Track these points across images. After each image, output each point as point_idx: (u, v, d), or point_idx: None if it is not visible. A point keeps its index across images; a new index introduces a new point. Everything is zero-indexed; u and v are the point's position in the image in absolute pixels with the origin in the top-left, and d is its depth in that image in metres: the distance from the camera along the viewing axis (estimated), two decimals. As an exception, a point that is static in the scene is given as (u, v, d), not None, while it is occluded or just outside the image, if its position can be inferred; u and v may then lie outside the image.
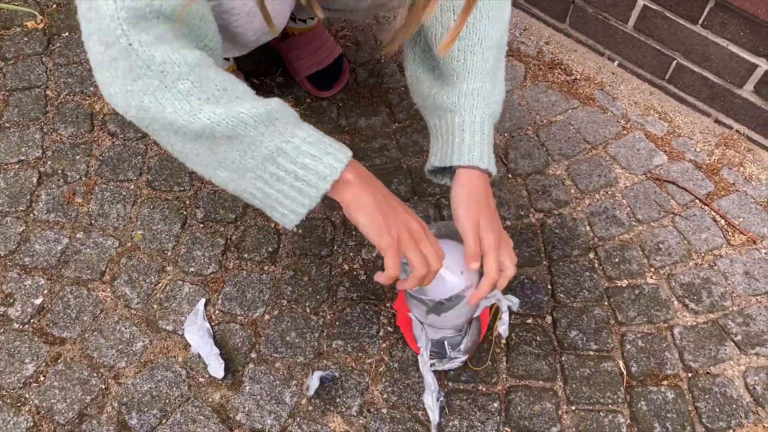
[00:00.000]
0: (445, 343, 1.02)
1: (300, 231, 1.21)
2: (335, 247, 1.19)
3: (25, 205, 1.21)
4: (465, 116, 0.85)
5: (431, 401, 0.98)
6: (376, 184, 0.78)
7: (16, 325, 1.09)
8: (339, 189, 0.74)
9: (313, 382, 1.03)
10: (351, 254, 1.18)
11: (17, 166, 1.26)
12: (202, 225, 1.21)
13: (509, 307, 1.02)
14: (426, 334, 0.99)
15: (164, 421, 1.01)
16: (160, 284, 1.14)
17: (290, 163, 0.70)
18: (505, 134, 1.34)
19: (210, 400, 1.04)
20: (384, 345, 1.09)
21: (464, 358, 1.03)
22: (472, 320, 1.03)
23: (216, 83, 0.67)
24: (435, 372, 1.02)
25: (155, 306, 1.12)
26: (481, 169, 0.85)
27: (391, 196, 0.79)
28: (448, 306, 0.89)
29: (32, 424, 1.00)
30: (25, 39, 1.43)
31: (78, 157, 1.27)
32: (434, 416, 0.99)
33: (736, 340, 1.11)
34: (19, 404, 1.02)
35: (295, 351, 1.08)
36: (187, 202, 1.23)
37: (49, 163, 1.26)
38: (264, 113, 0.69)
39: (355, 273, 1.16)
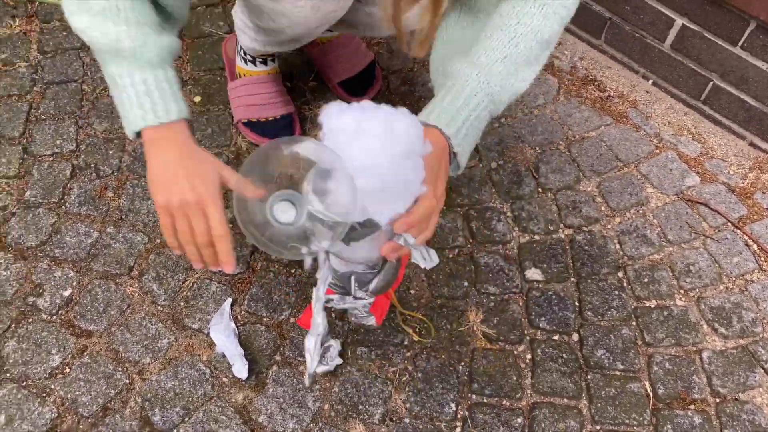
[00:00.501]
0: (352, 278, 0.84)
1: (328, 235, 1.21)
2: (362, 254, 1.19)
3: (57, 197, 1.22)
4: (458, 81, 0.77)
5: (312, 345, 0.81)
6: (168, 149, 0.77)
7: (44, 316, 1.09)
8: (144, 141, 0.79)
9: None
10: (378, 261, 1.18)
11: (51, 159, 1.27)
12: (231, 225, 1.21)
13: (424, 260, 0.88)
14: (329, 265, 0.80)
15: (187, 419, 1.02)
16: (188, 282, 1.14)
17: (117, 95, 0.78)
18: (537, 148, 1.34)
19: (233, 400, 1.03)
20: (408, 354, 1.09)
21: (370, 300, 0.86)
22: None
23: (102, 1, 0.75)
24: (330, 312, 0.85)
25: (182, 304, 1.12)
26: (444, 134, 0.74)
27: (181, 163, 0.76)
28: (361, 234, 0.70)
29: (56, 415, 1.01)
30: (64, 33, 1.45)
31: (111, 152, 1.28)
32: (312, 363, 0.84)
33: (766, 368, 1.09)
34: (44, 395, 1.02)
35: (319, 356, 1.08)
36: (227, 203, 1.23)
37: (82, 156, 1.28)
38: (112, 44, 0.75)
39: (381, 280, 1.16)
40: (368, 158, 0.63)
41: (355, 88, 1.38)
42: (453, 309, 1.14)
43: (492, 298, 1.15)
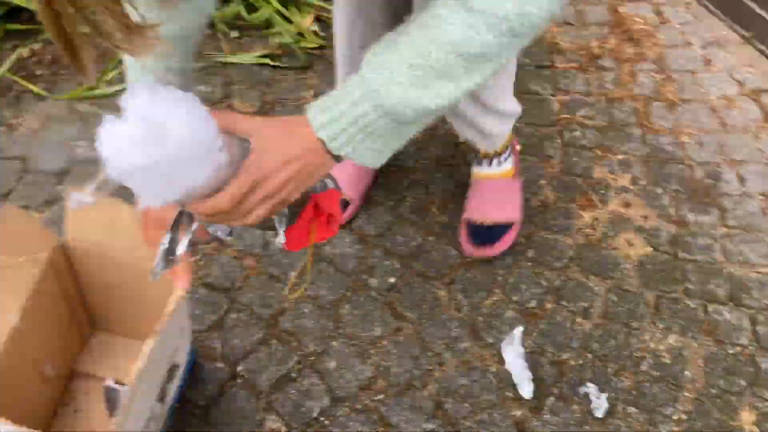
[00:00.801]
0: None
1: (615, 299, 1.33)
2: (644, 323, 1.30)
3: (395, 201, 1.48)
4: (349, 82, 0.69)
5: (164, 244, 0.76)
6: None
7: (373, 293, 1.35)
8: None
9: None
10: (659, 335, 1.28)
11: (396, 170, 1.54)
12: (530, 264, 1.39)
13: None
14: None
15: (471, 415, 1.19)
16: (488, 301, 1.33)
17: None
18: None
19: (512, 413, 1.19)
20: (675, 429, 1.17)
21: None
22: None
23: None
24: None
25: (480, 318, 1.31)
26: (317, 135, 0.68)
27: None
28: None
29: (371, 375, 1.24)
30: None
31: (442, 173, 1.52)
32: (157, 261, 0.77)
33: None
34: (365, 356, 1.26)
35: (589, 401, 1.20)
36: (523, 241, 1.41)
37: (419, 172, 1.53)
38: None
39: (659, 354, 1.26)
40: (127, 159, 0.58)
41: (479, 237, 1.38)
42: (726, 402, 1.20)
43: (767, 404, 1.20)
